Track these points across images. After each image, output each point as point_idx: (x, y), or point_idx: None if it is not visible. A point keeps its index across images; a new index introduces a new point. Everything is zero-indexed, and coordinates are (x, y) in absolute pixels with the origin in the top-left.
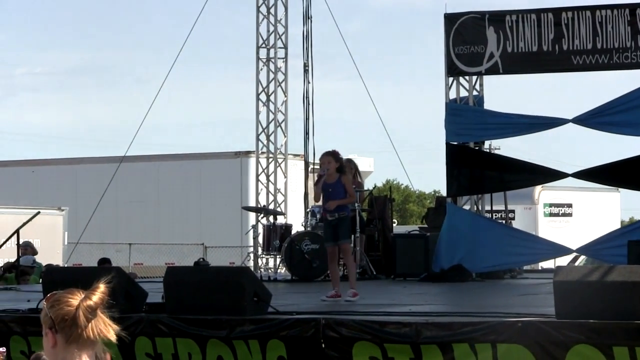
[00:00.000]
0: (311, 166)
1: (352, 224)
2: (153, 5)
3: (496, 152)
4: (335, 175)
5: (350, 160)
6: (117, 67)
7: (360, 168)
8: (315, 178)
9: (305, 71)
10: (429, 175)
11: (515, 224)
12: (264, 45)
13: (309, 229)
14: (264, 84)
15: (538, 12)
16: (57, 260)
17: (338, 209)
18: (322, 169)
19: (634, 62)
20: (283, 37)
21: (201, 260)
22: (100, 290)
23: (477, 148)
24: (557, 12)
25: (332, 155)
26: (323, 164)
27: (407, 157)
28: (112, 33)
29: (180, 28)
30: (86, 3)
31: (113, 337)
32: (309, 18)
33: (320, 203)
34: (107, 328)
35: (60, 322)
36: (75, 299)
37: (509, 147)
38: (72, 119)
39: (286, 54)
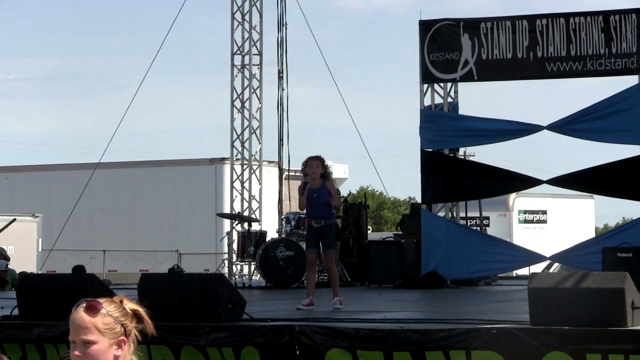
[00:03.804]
0: (285, 173)
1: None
2: (128, 12)
3: (471, 158)
4: (319, 181)
5: None
6: (92, 74)
7: (335, 175)
8: (287, 183)
9: (280, 78)
10: (403, 182)
11: (490, 231)
12: (238, 52)
13: (283, 235)
14: (239, 91)
15: (513, 19)
16: (31, 267)
17: (324, 215)
18: (309, 174)
19: (607, 69)
20: (258, 44)
21: (175, 267)
22: None
23: (451, 155)
24: (531, 19)
25: (319, 160)
26: (311, 168)
27: (382, 164)
28: (87, 39)
29: (155, 34)
30: (61, 10)
31: None
32: (283, 25)
33: (297, 210)
34: None
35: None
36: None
37: (483, 153)
38: (46, 126)
39: (261, 60)
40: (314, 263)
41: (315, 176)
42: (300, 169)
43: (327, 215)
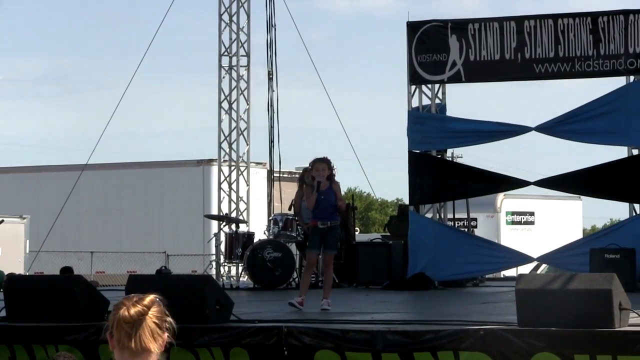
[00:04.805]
0: (275, 174)
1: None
2: (115, 12)
3: (458, 160)
4: (326, 183)
5: (308, 170)
6: (79, 75)
7: None
8: (277, 185)
9: (270, 79)
10: (391, 184)
11: (478, 232)
12: (226, 53)
13: (271, 237)
14: (226, 92)
15: (500, 20)
16: (19, 268)
17: (330, 217)
18: (319, 176)
19: (595, 70)
20: (245, 45)
21: (163, 268)
22: (143, 303)
23: (439, 156)
24: (519, 20)
25: (326, 162)
26: (317, 170)
27: (370, 165)
28: (75, 40)
29: (143, 35)
30: (48, 10)
31: (155, 349)
32: (272, 26)
33: (287, 210)
34: (151, 339)
35: (112, 327)
36: (126, 307)
37: (471, 155)
38: (34, 127)
39: (248, 62)
40: (313, 264)
41: (322, 179)
42: (288, 170)
43: (332, 217)
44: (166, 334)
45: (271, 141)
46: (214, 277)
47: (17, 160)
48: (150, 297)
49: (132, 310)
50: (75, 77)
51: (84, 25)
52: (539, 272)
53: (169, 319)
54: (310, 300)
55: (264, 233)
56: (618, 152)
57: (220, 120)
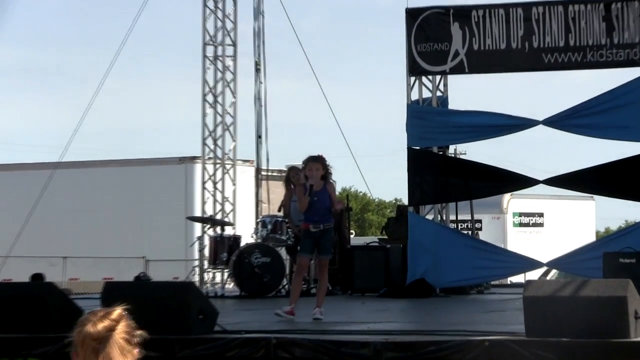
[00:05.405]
0: (264, 172)
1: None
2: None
3: (462, 156)
4: (320, 183)
5: (293, 168)
6: (51, 67)
7: None
8: (265, 184)
9: (257, 70)
10: (389, 183)
11: (483, 235)
12: (211, 42)
13: (259, 240)
14: (211, 84)
15: (506, 6)
16: None
17: (324, 220)
18: (311, 177)
19: (609, 60)
20: (232, 34)
21: (142, 274)
22: (110, 317)
23: (441, 153)
24: (526, 7)
25: (320, 161)
26: (310, 170)
27: (366, 163)
28: (48, 31)
29: (121, 24)
30: (21, 2)
31: None
32: (260, 13)
33: (276, 212)
34: (120, 356)
35: (77, 345)
36: (92, 322)
37: (475, 151)
38: (3, 123)
39: (235, 51)
40: (304, 269)
41: (316, 179)
42: (277, 168)
43: (326, 219)
44: (136, 350)
45: (259, 137)
46: (197, 284)
47: None
48: (117, 311)
49: (100, 326)
50: (47, 69)
51: (57, 13)
52: (548, 278)
53: (139, 332)
54: (301, 309)
55: (252, 236)
56: (632, 148)
57: (204, 115)
